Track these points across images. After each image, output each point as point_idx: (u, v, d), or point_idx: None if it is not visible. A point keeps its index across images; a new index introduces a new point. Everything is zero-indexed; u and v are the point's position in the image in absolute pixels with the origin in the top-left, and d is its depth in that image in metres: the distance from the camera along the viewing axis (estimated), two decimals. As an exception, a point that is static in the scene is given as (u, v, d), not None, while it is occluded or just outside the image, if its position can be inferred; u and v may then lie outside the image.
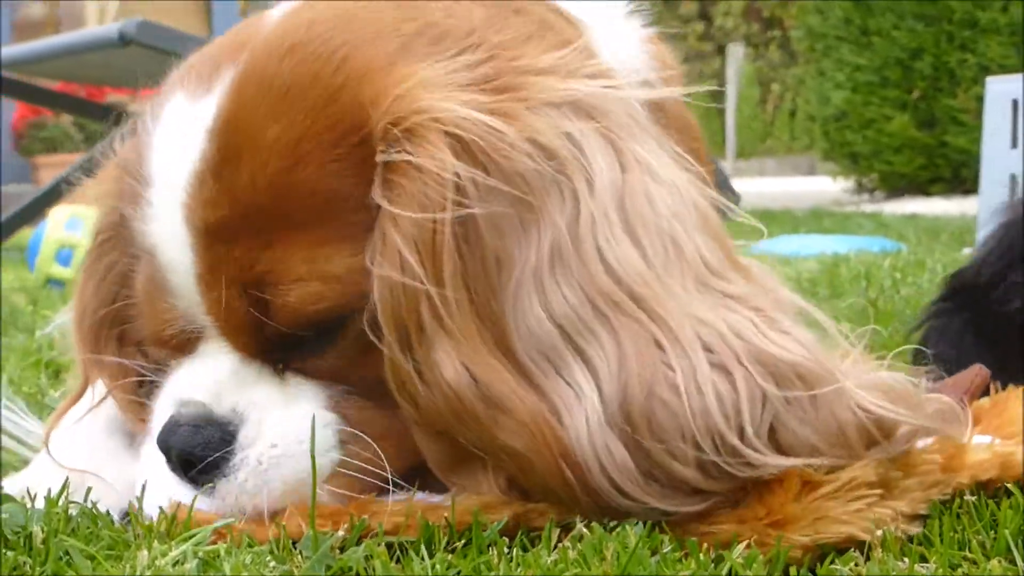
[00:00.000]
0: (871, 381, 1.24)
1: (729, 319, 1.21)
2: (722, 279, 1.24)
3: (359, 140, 1.21)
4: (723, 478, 1.18)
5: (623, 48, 1.49)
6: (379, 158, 1.19)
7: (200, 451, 1.25)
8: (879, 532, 1.17)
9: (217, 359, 1.29)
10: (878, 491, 1.19)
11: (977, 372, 1.52)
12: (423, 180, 1.17)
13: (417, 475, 1.25)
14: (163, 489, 1.27)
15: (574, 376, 1.18)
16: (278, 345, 1.26)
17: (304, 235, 1.21)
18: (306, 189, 1.21)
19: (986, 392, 1.54)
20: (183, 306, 1.28)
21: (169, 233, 1.26)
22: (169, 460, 1.27)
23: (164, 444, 1.27)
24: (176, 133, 1.27)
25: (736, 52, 16.50)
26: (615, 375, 1.17)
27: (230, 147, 1.23)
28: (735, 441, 1.17)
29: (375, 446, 1.25)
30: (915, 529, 1.21)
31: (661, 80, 1.53)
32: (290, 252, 1.21)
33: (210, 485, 1.25)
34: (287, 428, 1.25)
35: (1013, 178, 4.64)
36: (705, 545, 1.15)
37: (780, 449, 1.18)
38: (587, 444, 1.16)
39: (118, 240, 1.40)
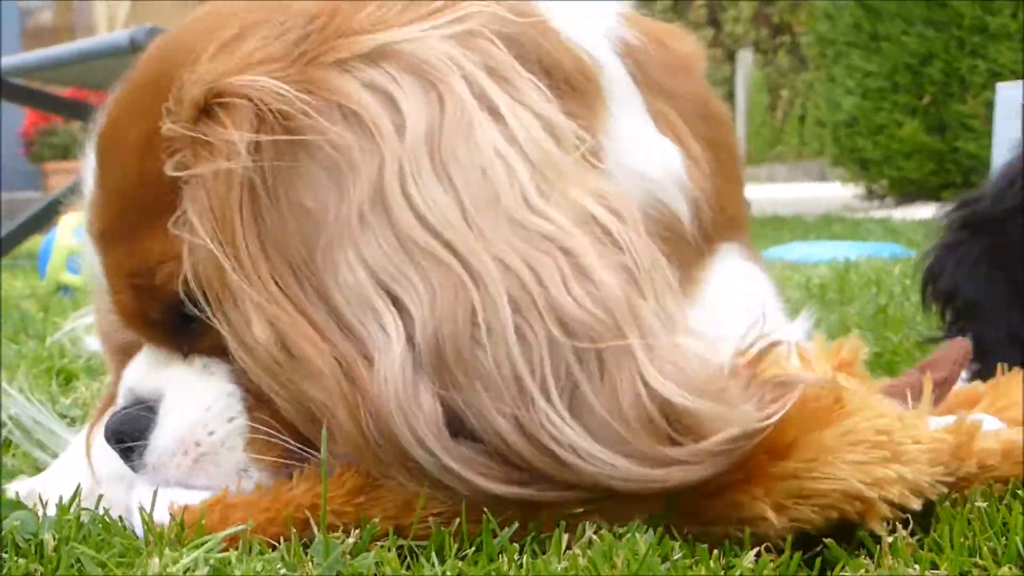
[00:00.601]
0: (675, 355, 1.19)
1: (534, 262, 1.19)
2: (541, 216, 1.22)
3: None
4: (539, 450, 1.16)
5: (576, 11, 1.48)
6: (168, 131, 1.24)
7: (127, 428, 1.30)
8: (887, 525, 1.17)
9: (141, 352, 1.36)
10: (883, 452, 1.18)
11: (959, 347, 1.50)
12: (212, 152, 1.21)
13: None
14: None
15: (385, 321, 1.18)
16: (170, 330, 1.31)
17: (159, 221, 1.26)
18: (155, 178, 1.26)
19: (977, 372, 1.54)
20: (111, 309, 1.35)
21: (88, 243, 1.35)
22: (115, 449, 1.32)
23: (106, 435, 1.33)
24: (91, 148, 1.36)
25: (745, 58, 16.48)
26: (427, 319, 1.17)
27: (104, 156, 1.32)
28: (541, 401, 1.16)
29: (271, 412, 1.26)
30: (915, 503, 1.20)
31: (640, 46, 1.54)
32: (151, 240, 1.27)
33: (140, 457, 1.30)
34: (196, 399, 1.29)
35: (1024, 184, 4.64)
36: (715, 552, 1.15)
37: (580, 421, 1.16)
38: (392, 389, 1.16)
39: None
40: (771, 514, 1.15)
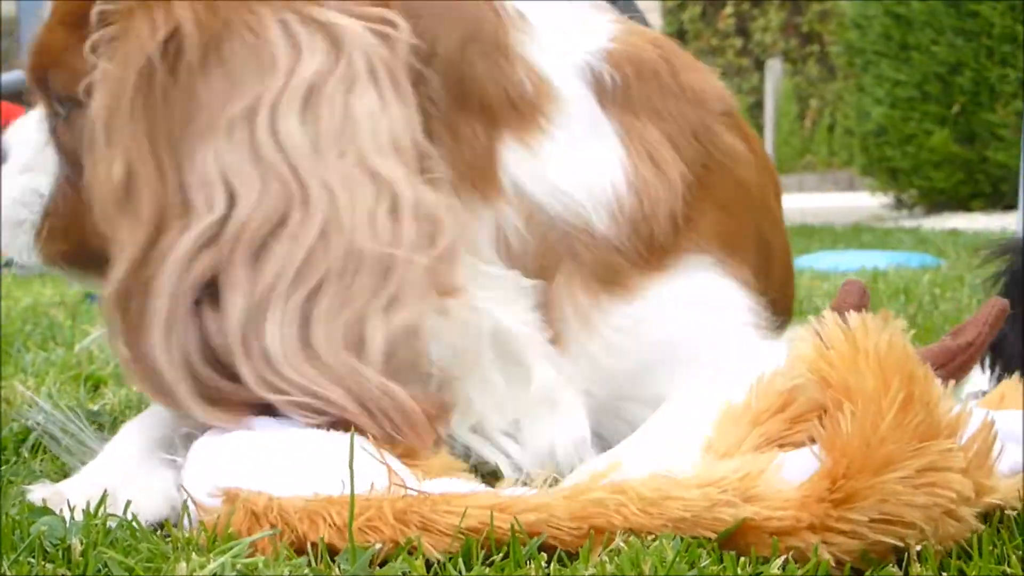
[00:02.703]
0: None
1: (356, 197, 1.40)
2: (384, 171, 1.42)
3: None
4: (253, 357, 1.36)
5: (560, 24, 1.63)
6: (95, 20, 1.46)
7: None
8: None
9: None
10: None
11: (991, 306, 1.43)
12: (127, 40, 1.42)
13: None
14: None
15: (214, 202, 1.38)
16: None
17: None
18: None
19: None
20: None
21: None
22: None
23: None
24: None
25: (774, 67, 16.45)
26: (248, 208, 1.38)
27: None
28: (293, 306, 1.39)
29: None
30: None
31: (618, 75, 1.62)
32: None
33: None
34: None
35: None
36: (743, 559, 1.15)
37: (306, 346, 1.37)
38: (179, 254, 1.37)
39: None
40: (828, 556, 1.15)
